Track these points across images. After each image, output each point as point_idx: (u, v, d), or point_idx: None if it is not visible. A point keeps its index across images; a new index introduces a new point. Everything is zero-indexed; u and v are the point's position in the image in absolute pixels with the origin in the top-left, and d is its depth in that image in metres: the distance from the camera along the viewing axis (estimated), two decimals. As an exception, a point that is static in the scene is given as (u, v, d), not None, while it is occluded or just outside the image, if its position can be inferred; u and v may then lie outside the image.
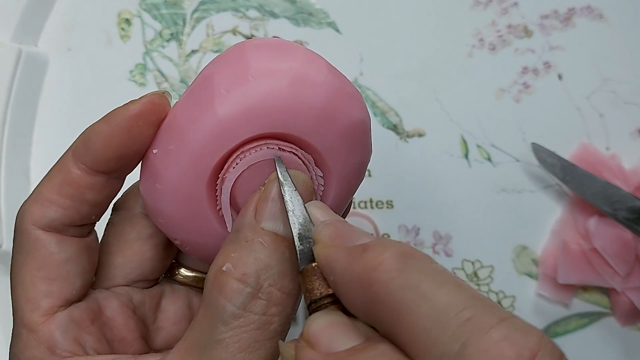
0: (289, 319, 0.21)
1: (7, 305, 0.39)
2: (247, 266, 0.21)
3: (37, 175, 0.42)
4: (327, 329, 0.19)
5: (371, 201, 0.41)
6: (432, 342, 0.17)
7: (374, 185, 0.42)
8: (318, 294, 0.20)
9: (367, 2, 0.44)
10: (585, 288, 0.42)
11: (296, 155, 0.23)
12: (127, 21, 0.44)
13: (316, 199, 0.24)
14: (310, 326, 0.19)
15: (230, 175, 0.23)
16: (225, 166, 0.23)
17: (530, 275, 0.42)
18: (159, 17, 0.44)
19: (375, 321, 0.19)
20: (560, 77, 0.43)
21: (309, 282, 0.20)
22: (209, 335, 0.20)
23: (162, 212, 0.24)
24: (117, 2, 0.44)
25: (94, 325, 0.24)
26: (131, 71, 0.43)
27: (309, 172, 0.24)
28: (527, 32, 0.44)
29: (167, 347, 0.24)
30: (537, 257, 0.42)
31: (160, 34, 0.43)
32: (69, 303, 0.24)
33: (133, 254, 0.26)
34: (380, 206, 0.41)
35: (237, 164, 0.23)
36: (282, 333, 0.21)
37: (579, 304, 0.42)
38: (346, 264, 0.19)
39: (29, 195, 0.24)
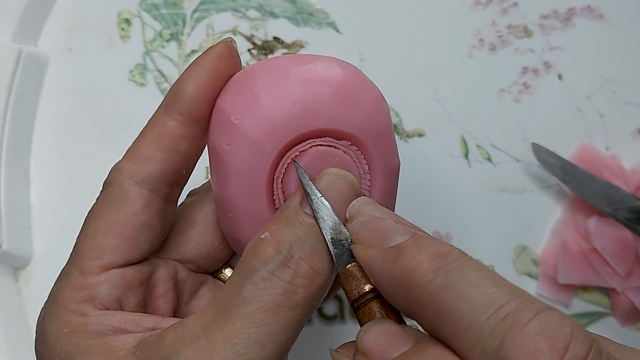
0: (315, 297, 0.22)
1: (7, 306, 0.39)
2: (283, 236, 0.22)
3: (37, 175, 0.41)
4: (380, 338, 0.20)
5: (371, 201, 0.41)
6: (473, 340, 0.18)
7: (374, 185, 0.42)
8: (358, 293, 0.21)
9: (367, 2, 0.44)
10: (585, 288, 0.42)
11: (346, 152, 0.25)
12: (127, 21, 0.44)
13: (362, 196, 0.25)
14: (363, 338, 0.20)
15: (283, 171, 0.24)
16: (280, 163, 0.24)
17: (530, 275, 0.42)
18: (159, 17, 0.44)
19: (418, 319, 0.20)
20: (560, 77, 0.44)
21: (349, 282, 0.21)
22: (235, 293, 0.21)
23: (227, 203, 0.25)
24: (117, 2, 0.44)
25: (141, 288, 0.25)
26: (131, 71, 0.43)
27: (357, 167, 0.25)
28: (527, 32, 0.44)
29: None
30: (537, 257, 0.42)
31: (160, 34, 0.44)
32: (128, 264, 0.25)
33: (195, 234, 0.28)
34: (380, 206, 0.41)
35: (289, 161, 0.24)
36: (305, 308, 0.22)
37: (579, 304, 0.42)
38: (384, 267, 0.20)
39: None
